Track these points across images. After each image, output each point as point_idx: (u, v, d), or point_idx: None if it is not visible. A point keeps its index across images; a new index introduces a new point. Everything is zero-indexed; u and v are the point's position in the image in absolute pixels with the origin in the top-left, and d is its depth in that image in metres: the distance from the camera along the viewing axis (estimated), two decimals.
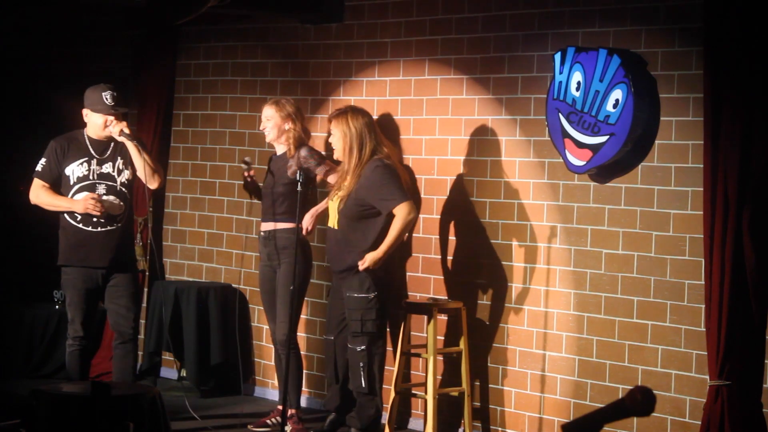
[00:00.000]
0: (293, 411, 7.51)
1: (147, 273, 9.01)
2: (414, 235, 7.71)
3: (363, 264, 7.01)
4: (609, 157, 6.70)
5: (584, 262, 6.99)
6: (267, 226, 7.48)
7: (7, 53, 10.07)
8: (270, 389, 8.43)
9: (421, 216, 7.69)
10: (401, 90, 7.87)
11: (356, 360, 7.11)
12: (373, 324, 7.07)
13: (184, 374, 8.80)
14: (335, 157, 7.27)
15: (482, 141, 7.47)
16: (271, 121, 7.46)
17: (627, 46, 6.73)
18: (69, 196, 7.13)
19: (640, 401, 3.32)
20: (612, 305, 6.88)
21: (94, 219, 7.09)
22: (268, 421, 7.58)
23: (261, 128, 7.54)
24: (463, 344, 7.30)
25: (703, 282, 6.34)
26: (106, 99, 7.10)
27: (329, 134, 7.33)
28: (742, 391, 6.18)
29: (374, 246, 7.05)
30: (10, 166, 10.23)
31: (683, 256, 6.58)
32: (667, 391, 6.61)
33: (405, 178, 7.25)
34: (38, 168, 7.19)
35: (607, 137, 6.69)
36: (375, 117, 7.87)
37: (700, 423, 6.31)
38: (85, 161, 7.15)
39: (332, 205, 7.26)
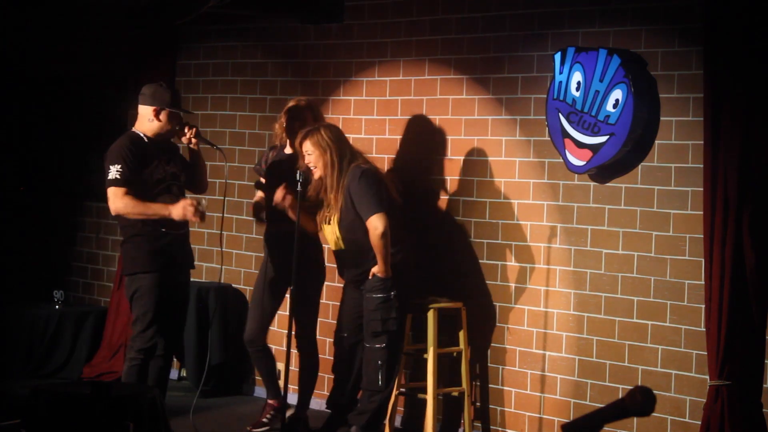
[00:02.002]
0: (299, 412, 7.53)
1: None
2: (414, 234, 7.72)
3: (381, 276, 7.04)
4: (609, 157, 6.71)
5: (584, 262, 6.99)
6: (278, 226, 7.41)
7: (7, 53, 10.07)
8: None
9: (421, 216, 7.70)
10: (401, 90, 7.87)
11: (375, 358, 7.07)
12: (393, 322, 7.06)
13: (184, 374, 8.80)
14: (316, 176, 7.16)
15: (482, 141, 7.47)
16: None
17: (627, 46, 6.73)
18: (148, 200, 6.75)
19: (640, 401, 3.32)
20: (612, 305, 6.88)
21: (175, 223, 6.77)
22: (264, 420, 7.57)
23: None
24: (463, 344, 7.30)
25: (703, 282, 6.34)
26: (175, 98, 6.84)
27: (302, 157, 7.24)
28: (742, 391, 6.18)
29: None
30: (8, 165, 10.25)
31: (683, 256, 6.58)
32: (667, 391, 6.61)
33: (387, 180, 7.20)
34: (116, 176, 6.67)
35: (607, 137, 6.69)
36: (375, 117, 7.89)
37: (700, 423, 6.32)
38: (158, 163, 6.80)
39: (328, 228, 7.20)
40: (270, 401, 7.61)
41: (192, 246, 7.22)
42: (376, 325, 7.05)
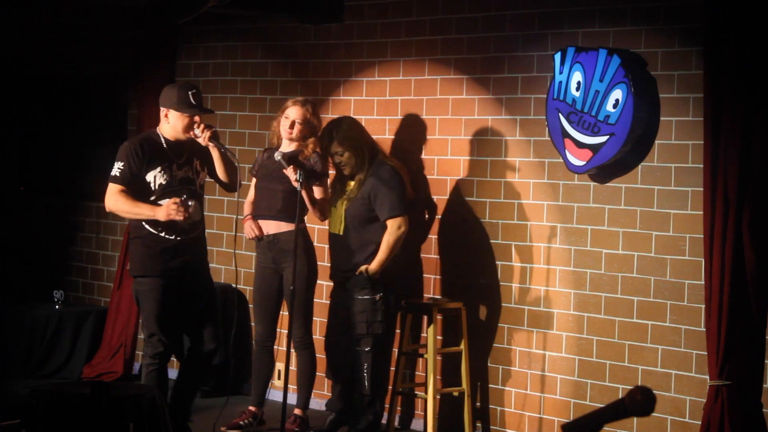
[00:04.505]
0: (299, 412, 7.53)
1: None
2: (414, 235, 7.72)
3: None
4: (609, 157, 6.71)
5: (584, 262, 7.00)
6: (269, 227, 7.44)
7: (7, 53, 10.08)
8: (269, 389, 8.41)
9: (421, 216, 7.70)
10: (401, 90, 7.87)
11: (361, 361, 7.11)
12: (379, 325, 7.08)
13: None
14: (348, 171, 7.24)
15: (482, 141, 7.47)
16: (303, 123, 7.38)
17: (627, 46, 6.73)
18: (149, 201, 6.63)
19: (640, 401, 3.32)
20: (612, 305, 6.88)
21: (178, 227, 6.65)
22: (240, 422, 7.56)
23: (288, 129, 7.40)
24: (463, 344, 7.30)
25: (703, 282, 6.34)
26: (192, 99, 6.65)
27: (328, 153, 7.28)
28: (742, 391, 6.18)
29: (378, 248, 7.09)
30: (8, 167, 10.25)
31: (683, 256, 6.58)
32: (667, 391, 6.61)
33: (407, 179, 7.27)
34: (115, 173, 6.60)
35: (607, 137, 6.69)
36: (374, 117, 7.89)
37: (700, 423, 6.32)
38: (166, 167, 6.64)
39: (335, 211, 7.25)
40: (251, 407, 7.61)
41: None
42: (361, 328, 7.07)
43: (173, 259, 6.69)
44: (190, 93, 6.66)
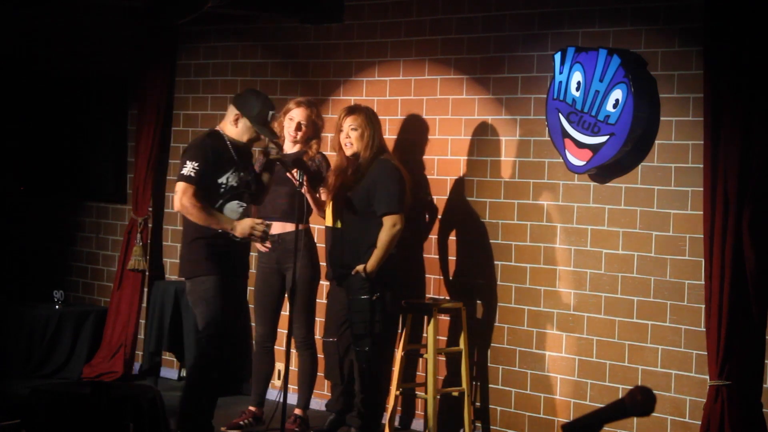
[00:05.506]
0: (299, 412, 7.53)
1: (147, 273, 9.02)
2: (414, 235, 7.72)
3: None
4: (609, 157, 6.71)
5: (584, 262, 7.00)
6: (274, 227, 7.41)
7: (7, 53, 10.08)
8: (270, 389, 8.42)
9: (421, 216, 7.70)
10: (401, 90, 7.87)
11: (361, 361, 7.10)
12: (378, 325, 7.07)
13: (184, 374, 8.79)
14: (351, 151, 7.19)
15: (482, 141, 7.47)
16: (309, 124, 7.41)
17: (627, 46, 6.73)
18: (217, 205, 6.53)
19: (640, 401, 3.32)
20: (612, 305, 6.88)
21: None
22: (240, 422, 7.56)
23: (295, 131, 7.41)
24: (463, 344, 7.30)
25: (703, 282, 6.35)
26: (269, 119, 6.64)
27: (339, 130, 7.28)
28: (742, 391, 6.18)
29: (375, 244, 7.07)
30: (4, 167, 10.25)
31: (683, 256, 6.58)
32: (667, 391, 6.62)
33: (407, 178, 7.26)
34: (190, 173, 6.47)
35: (607, 137, 6.69)
36: None
37: (700, 423, 6.32)
38: (235, 170, 6.59)
39: (335, 205, 7.24)
40: (251, 408, 7.61)
41: None
42: (360, 328, 7.06)
43: (231, 261, 6.64)
44: (270, 113, 6.63)
